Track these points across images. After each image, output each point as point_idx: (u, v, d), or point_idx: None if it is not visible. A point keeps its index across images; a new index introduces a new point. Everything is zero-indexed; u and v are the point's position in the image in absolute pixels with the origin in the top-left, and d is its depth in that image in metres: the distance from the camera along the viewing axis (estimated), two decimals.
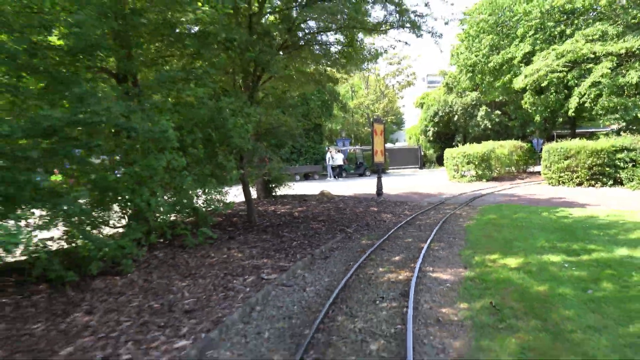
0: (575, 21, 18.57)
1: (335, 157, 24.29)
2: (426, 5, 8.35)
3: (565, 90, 18.30)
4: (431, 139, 35.24)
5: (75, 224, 4.68)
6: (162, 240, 6.78)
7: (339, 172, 24.62)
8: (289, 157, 24.72)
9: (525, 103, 19.52)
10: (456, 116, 32.81)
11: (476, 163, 18.10)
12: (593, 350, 3.05)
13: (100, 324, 3.79)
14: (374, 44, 10.61)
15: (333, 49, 9.20)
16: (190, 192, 6.45)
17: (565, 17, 18.92)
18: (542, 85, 17.52)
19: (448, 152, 19.68)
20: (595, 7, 17.59)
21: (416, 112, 43.59)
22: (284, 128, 9.37)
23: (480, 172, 18.26)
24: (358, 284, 5.01)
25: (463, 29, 21.56)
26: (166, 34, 5.53)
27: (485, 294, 4.41)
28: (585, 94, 16.02)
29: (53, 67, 4.83)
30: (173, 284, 4.91)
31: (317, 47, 8.98)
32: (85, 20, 3.86)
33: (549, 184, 15.92)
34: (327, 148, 26.39)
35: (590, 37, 16.51)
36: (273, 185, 12.59)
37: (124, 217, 6.32)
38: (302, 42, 8.32)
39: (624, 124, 17.94)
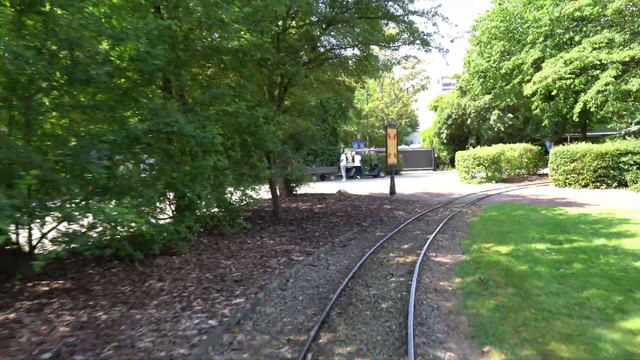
0: (584, 28, 19.19)
1: (354, 159, 25.47)
2: (434, 24, 9.39)
3: (574, 95, 18.92)
4: (445, 141, 35.98)
5: (145, 212, 5.81)
6: (202, 229, 7.92)
7: (356, 173, 25.69)
8: (306, 158, 25.85)
9: (535, 108, 20.19)
10: (469, 119, 33.51)
11: (486, 165, 18.91)
12: (549, 306, 4.02)
13: (171, 288, 4.90)
14: (387, 56, 11.55)
15: (350, 62, 10.26)
16: (227, 188, 7.62)
17: (574, 24, 19.54)
18: (552, 92, 18.22)
19: (459, 155, 20.49)
20: (603, 15, 18.22)
21: (430, 114, 44.36)
22: (306, 133, 10.47)
23: (490, 174, 19.06)
24: (372, 264, 6.03)
25: (474, 35, 22.33)
26: (212, 56, 6.66)
27: (476, 272, 5.39)
28: (591, 100, 16.68)
29: (124, 86, 5.98)
30: (220, 262, 6.01)
31: (336, 60, 10.04)
32: (159, 53, 4.98)
33: (556, 185, 16.65)
34: (342, 150, 27.45)
35: (597, 45, 17.15)
36: (294, 185, 13.72)
37: (168, 209, 7.51)
38: (323, 57, 9.39)
39: (637, 127, 18.52)
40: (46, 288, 4.93)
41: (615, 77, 16.17)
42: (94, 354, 3.30)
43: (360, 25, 8.59)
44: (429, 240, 7.24)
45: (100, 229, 5.14)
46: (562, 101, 18.81)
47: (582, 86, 17.62)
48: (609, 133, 31.06)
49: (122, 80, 5.73)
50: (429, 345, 3.47)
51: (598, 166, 15.46)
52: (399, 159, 30.20)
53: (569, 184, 16.22)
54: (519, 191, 15.72)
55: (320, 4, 8.10)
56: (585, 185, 15.81)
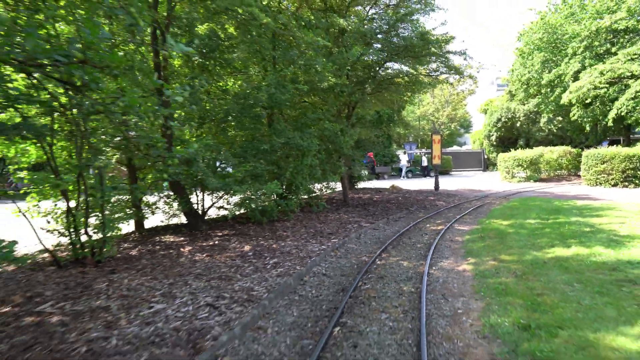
0: (621, 40, 20.81)
1: (422, 160, 28.86)
2: (464, 59, 12.36)
3: (610, 103, 20.64)
4: (494, 143, 37.64)
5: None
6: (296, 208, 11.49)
7: (426, 172, 28.79)
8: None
9: (573, 115, 22.04)
10: (519, 122, 35.07)
11: (525, 166, 21.16)
12: (513, 245, 7.06)
13: (293, 235, 8.42)
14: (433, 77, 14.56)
15: (401, 86, 13.47)
16: (312, 180, 11.12)
17: (611, 35, 21.15)
18: (587, 100, 20.15)
19: (501, 156, 22.83)
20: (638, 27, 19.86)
21: (482, 117, 45.95)
22: (367, 140, 13.80)
23: (529, 174, 21.28)
24: (414, 230, 9.25)
25: (517, 48, 24.47)
26: (310, 93, 10.20)
27: (480, 232, 8.45)
28: (622, 107, 18.52)
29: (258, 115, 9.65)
30: (316, 225, 9.50)
31: (391, 87, 13.29)
32: (287, 98, 8.54)
33: (587, 184, 18.68)
34: (403, 151, 30.47)
35: (631, 56, 18.92)
36: (355, 180, 17.13)
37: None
38: (382, 86, 12.71)
39: None
40: (219, 234, 8.63)
41: None
42: (271, 254, 6.84)
43: (409, 61, 11.78)
44: (456, 218, 10.31)
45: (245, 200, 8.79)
46: (598, 107, 20.56)
47: (616, 94, 19.39)
48: None
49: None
50: (439, 258, 6.69)
51: (626, 167, 17.37)
52: (448, 160, 32.72)
53: (599, 184, 18.21)
54: (551, 189, 18.00)
55: (377, 49, 11.40)
56: (615, 185, 17.73)
